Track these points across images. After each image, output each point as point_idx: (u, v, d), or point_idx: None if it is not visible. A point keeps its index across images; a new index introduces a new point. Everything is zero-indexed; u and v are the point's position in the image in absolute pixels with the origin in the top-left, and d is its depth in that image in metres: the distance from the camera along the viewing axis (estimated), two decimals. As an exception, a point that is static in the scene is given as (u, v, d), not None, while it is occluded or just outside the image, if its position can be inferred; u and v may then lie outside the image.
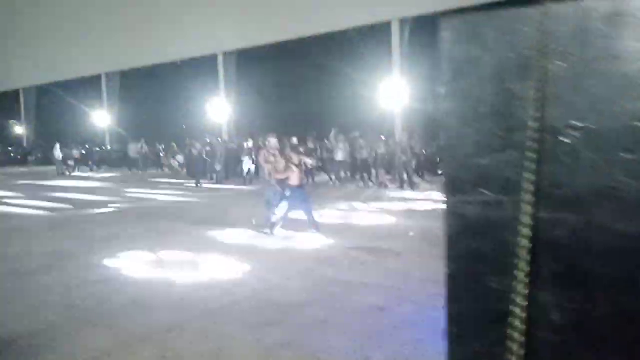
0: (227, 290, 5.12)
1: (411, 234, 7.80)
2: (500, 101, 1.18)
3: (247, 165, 16.81)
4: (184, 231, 8.65)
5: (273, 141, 8.60)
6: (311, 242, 7.45)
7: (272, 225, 8.23)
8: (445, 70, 1.26)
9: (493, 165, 1.17)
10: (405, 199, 12.03)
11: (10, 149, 36.94)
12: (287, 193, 8.08)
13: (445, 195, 1.23)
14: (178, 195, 14.50)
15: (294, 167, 8.09)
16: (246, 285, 5.29)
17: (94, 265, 6.29)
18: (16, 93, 37.55)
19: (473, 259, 1.20)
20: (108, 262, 6.43)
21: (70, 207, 12.37)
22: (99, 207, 12.14)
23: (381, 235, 7.73)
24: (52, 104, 35.90)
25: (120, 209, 12.05)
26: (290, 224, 8.31)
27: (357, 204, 11.40)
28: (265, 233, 8.21)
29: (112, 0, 1.88)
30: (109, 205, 12.46)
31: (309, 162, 9.06)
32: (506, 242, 1.16)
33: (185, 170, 21.43)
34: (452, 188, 1.22)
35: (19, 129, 38.24)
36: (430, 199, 11.92)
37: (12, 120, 38.19)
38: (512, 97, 1.18)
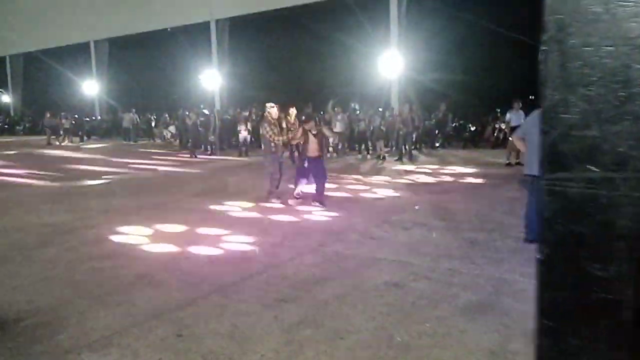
0: (237, 266, 4.99)
1: (417, 207, 7.69)
2: (618, 65, 1.01)
3: (243, 135, 16.53)
4: (185, 204, 8.47)
5: (274, 110, 8.36)
6: (317, 215, 7.32)
7: (273, 194, 8.13)
8: (549, 24, 1.08)
9: (603, 137, 1.01)
10: (405, 172, 11.91)
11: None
12: (305, 164, 7.96)
13: (542, 172, 1.08)
14: (173, 167, 14.25)
15: (312, 137, 7.92)
16: (256, 261, 5.16)
17: (95, 240, 6.12)
18: (2, 60, 36.52)
19: (573, 243, 1.05)
20: (110, 236, 6.26)
21: (63, 177, 12.10)
22: (93, 179, 11.88)
23: (387, 209, 7.61)
24: (40, 72, 34.96)
25: (115, 180, 11.81)
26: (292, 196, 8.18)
27: (358, 177, 11.26)
28: (270, 204, 8.07)
29: None
30: (103, 177, 12.20)
31: (330, 137, 8.90)
32: (614, 225, 1.01)
33: (177, 141, 21.09)
34: (552, 163, 1.06)
35: (5, 98, 37.27)
36: (430, 172, 11.81)
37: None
38: (633, 60, 1.01)
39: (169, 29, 29.48)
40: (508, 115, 12.44)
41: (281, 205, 8.03)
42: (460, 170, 11.90)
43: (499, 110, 18.88)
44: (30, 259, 5.40)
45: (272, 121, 8.22)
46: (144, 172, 13.15)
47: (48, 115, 25.23)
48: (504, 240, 5.69)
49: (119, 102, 30.09)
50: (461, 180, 10.38)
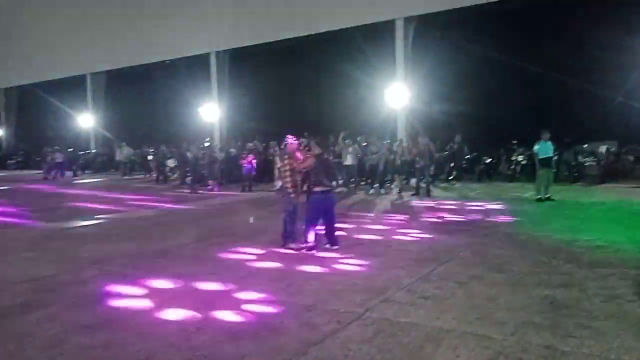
0: (264, 342, 3.88)
1: (461, 253, 6.63)
2: None
3: (247, 168, 15.51)
4: (189, 250, 7.38)
5: (292, 142, 7.36)
6: (347, 264, 6.24)
7: (293, 240, 7.08)
8: None
9: None
10: (427, 209, 10.88)
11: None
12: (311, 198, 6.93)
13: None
14: (173, 204, 13.16)
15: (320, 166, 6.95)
16: (288, 333, 4.05)
17: (85, 302, 5.00)
18: (-4, 93, 35.76)
19: None
20: (101, 297, 5.14)
21: (52, 217, 10.96)
22: (84, 218, 10.76)
23: (426, 256, 6.54)
24: (34, 106, 34.17)
25: (109, 220, 10.70)
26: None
27: (376, 215, 10.22)
28: (287, 250, 7.00)
29: None
30: (96, 216, 11.10)
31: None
32: None
33: (176, 175, 20.05)
34: None
35: (-2, 131, 36.32)
36: (456, 208, 10.79)
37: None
38: None
39: (167, 62, 28.93)
40: (536, 147, 11.54)
41: (300, 252, 6.95)
42: (488, 207, 10.88)
43: (515, 142, 18.06)
44: (4, 328, 4.28)
45: (289, 160, 7.17)
46: (141, 211, 12.05)
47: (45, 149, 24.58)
48: (591, 300, 4.63)
49: (116, 135, 29.18)
50: (494, 219, 9.35)
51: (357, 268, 6.06)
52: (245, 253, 6.99)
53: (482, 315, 4.31)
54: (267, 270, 6.11)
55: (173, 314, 4.56)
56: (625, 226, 8.26)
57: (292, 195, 7.11)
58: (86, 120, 32.11)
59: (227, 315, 4.51)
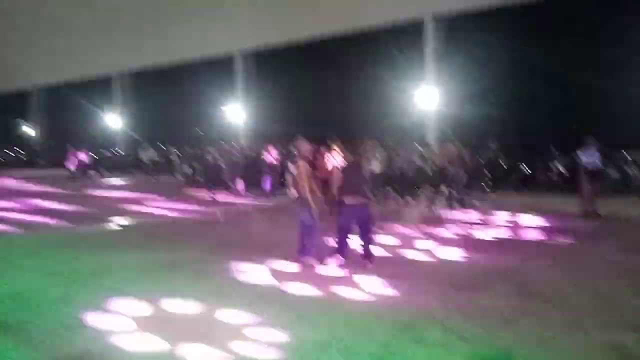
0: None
1: (505, 279, 5.74)
2: None
3: (270, 176, 14.87)
4: (200, 263, 6.71)
5: (306, 146, 6.65)
6: (369, 288, 5.45)
7: (308, 254, 6.37)
8: None
9: None
10: (461, 222, 9.98)
11: (18, 150, 35.63)
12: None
13: None
14: (191, 210, 12.60)
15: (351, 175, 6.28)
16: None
17: (65, 325, 4.37)
18: (26, 93, 36.27)
19: None
20: (89, 318, 4.51)
21: (63, 223, 10.48)
22: (98, 223, 10.28)
23: (461, 281, 5.69)
24: (63, 105, 34.49)
25: (123, 226, 10.18)
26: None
27: (406, 230, 9.38)
28: (304, 267, 6.27)
29: None
30: (110, 221, 10.60)
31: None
32: None
33: (200, 179, 19.57)
34: None
35: (27, 130, 36.78)
36: (492, 223, 9.85)
37: (20, 120, 36.73)
38: None
39: (193, 62, 28.68)
40: (582, 156, 10.50)
41: (318, 270, 6.21)
42: (530, 221, 9.91)
43: (554, 149, 16.91)
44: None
45: (306, 165, 6.45)
46: (156, 216, 11.52)
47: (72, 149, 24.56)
48: (674, 352, 3.73)
49: (143, 135, 29.10)
50: (539, 237, 8.39)
51: (381, 294, 5.27)
52: (257, 270, 6.27)
53: (537, 368, 3.47)
54: (278, 293, 5.37)
55: (165, 350, 3.87)
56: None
57: (311, 204, 6.39)
58: (113, 121, 32.20)
59: (237, 349, 3.79)
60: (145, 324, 4.39)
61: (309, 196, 6.32)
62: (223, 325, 4.41)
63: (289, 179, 6.49)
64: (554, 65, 19.62)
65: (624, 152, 18.87)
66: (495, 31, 20.33)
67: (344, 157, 6.57)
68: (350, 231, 6.43)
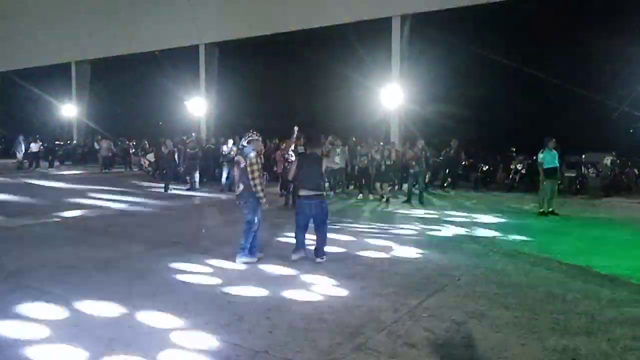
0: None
1: (458, 279, 5.53)
2: None
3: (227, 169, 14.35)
4: (137, 261, 6.23)
5: (257, 138, 6.26)
6: (317, 288, 5.13)
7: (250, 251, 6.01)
8: None
9: None
10: (420, 220, 9.79)
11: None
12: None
13: None
14: (141, 203, 11.99)
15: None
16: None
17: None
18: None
19: None
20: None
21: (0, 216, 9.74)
22: (38, 217, 9.59)
23: (417, 281, 5.43)
24: (16, 94, 32.82)
25: (64, 219, 9.52)
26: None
27: (363, 226, 9.11)
28: (247, 265, 5.90)
29: None
30: (52, 214, 9.92)
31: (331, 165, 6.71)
32: None
33: (157, 172, 18.84)
34: None
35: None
36: (452, 221, 9.70)
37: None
38: None
39: (156, 52, 27.70)
40: (541, 156, 10.50)
41: (263, 268, 5.85)
42: (487, 220, 9.81)
43: (514, 149, 17.05)
44: None
45: (258, 159, 6.10)
46: (104, 209, 10.88)
47: (21, 138, 23.26)
48: (624, 358, 3.54)
49: (100, 126, 27.92)
50: (494, 235, 8.27)
51: (329, 296, 4.95)
52: (197, 269, 5.85)
53: (486, 378, 3.21)
54: (217, 294, 4.97)
55: None
56: (644, 250, 7.21)
57: (263, 201, 6.02)
58: (69, 111, 30.79)
59: (147, 363, 3.39)
60: (62, 332, 3.92)
61: (260, 191, 5.95)
62: (150, 331, 3.99)
63: (235, 172, 6.06)
64: (517, 66, 19.82)
65: (582, 155, 19.27)
66: (460, 31, 20.40)
67: (301, 151, 6.29)
68: (305, 224, 6.18)
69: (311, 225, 6.25)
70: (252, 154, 5.99)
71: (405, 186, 13.57)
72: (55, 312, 4.34)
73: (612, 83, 20.50)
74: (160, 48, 26.91)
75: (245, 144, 6.13)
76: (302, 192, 6.15)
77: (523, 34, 22.07)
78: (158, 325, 4.10)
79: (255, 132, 6.16)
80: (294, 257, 6.22)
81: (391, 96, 18.93)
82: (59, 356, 3.51)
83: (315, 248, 6.20)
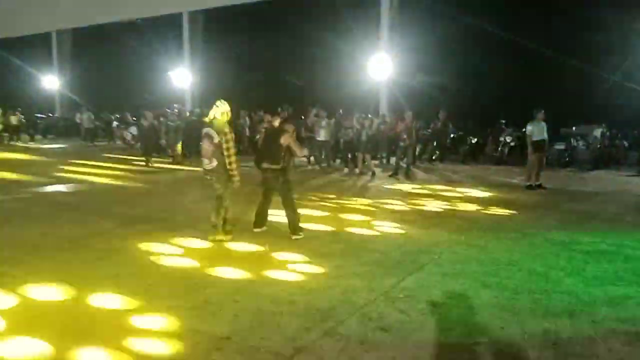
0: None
1: (436, 256, 5.31)
2: None
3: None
4: (104, 239, 5.93)
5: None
6: (287, 267, 4.89)
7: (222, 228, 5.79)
8: None
9: None
10: (405, 194, 9.56)
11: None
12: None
13: None
14: (120, 177, 11.64)
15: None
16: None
17: None
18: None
19: None
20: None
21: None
22: (9, 192, 9.24)
23: (394, 259, 5.21)
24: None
25: (36, 194, 9.18)
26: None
27: (345, 200, 8.86)
28: (221, 243, 5.65)
29: None
30: (24, 189, 9.56)
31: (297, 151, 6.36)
32: None
33: (138, 145, 18.40)
34: None
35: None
36: (436, 195, 9.48)
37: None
38: None
39: (138, 20, 26.82)
40: (529, 128, 10.24)
41: (236, 246, 5.60)
42: (473, 194, 9.60)
43: (503, 121, 16.78)
44: None
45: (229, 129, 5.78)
46: (80, 183, 10.52)
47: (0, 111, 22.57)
48: (609, 342, 3.35)
49: (83, 98, 27.17)
50: (479, 209, 8.07)
51: (302, 275, 4.71)
52: (168, 248, 5.59)
53: (460, 367, 3.01)
54: (184, 276, 4.72)
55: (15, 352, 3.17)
56: (633, 224, 7.04)
57: (236, 179, 5.74)
58: (51, 82, 29.94)
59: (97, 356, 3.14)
60: (11, 320, 3.66)
61: (235, 169, 5.66)
62: (108, 316, 3.74)
63: (207, 147, 5.73)
64: (508, 37, 19.36)
65: (572, 127, 19.03)
66: (449, 1, 19.83)
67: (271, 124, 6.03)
68: (268, 198, 6.16)
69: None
70: (227, 130, 5.67)
71: (393, 160, 13.31)
72: (7, 297, 4.06)
73: (604, 52, 20.15)
74: (143, 16, 26.06)
75: (218, 115, 5.78)
76: (262, 165, 6.09)
77: (514, 3, 21.54)
78: (117, 309, 3.85)
79: (222, 101, 5.81)
80: (255, 230, 6.19)
81: (380, 67, 18.48)
82: (8, 347, 3.25)
83: (290, 226, 5.98)
